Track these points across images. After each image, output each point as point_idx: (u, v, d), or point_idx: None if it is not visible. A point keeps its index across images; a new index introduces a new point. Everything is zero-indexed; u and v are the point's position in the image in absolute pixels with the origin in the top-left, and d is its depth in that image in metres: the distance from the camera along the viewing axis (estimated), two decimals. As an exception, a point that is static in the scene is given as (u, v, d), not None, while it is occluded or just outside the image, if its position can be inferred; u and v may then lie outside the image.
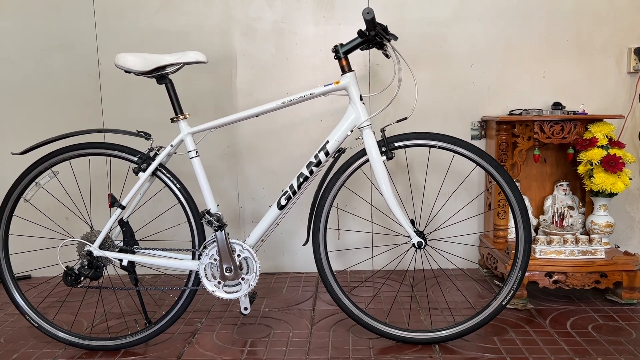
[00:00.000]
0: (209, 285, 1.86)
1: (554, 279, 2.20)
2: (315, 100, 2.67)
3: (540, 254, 2.23)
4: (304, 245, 1.93)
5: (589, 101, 2.62)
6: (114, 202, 1.83)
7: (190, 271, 1.90)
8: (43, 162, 1.88)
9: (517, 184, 2.58)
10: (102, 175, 2.68)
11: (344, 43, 1.83)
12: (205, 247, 1.86)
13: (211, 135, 2.57)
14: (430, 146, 1.84)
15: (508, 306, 2.21)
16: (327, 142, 1.86)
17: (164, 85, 1.86)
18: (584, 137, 2.36)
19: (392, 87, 1.98)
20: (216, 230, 1.82)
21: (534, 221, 2.57)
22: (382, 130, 1.85)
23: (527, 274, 2.19)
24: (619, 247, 2.39)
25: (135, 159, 1.86)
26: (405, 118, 1.85)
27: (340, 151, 1.87)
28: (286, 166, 2.72)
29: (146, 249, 1.91)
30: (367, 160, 1.85)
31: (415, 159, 2.66)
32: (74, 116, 2.71)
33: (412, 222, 1.86)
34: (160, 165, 1.87)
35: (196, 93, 2.68)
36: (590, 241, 2.24)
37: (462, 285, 2.52)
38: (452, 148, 1.83)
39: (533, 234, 2.52)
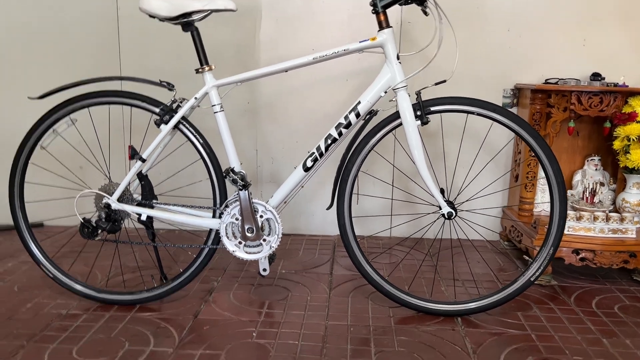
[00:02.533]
0: (230, 244, 1.81)
1: (581, 256, 2.13)
2: (341, 57, 2.56)
3: (568, 230, 2.16)
4: (327, 209, 1.86)
5: (631, 72, 2.49)
6: (134, 154, 1.76)
7: (211, 229, 1.84)
8: (61, 109, 1.80)
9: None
10: (121, 126, 2.60)
11: (383, -4, 1.71)
12: (227, 206, 1.80)
13: (231, 91, 2.48)
14: (469, 112, 1.75)
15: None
16: (359, 102, 1.76)
17: (189, 33, 1.76)
18: (623, 111, 2.25)
19: (428, 48, 1.87)
20: (240, 190, 1.75)
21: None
22: (418, 93, 1.75)
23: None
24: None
25: (158, 110, 1.78)
26: (444, 81, 1.75)
27: (372, 113, 1.78)
28: (308, 126, 2.63)
29: (166, 204, 1.85)
30: (400, 124, 1.76)
31: (444, 124, 2.56)
32: (90, 63, 2.61)
33: (442, 191, 1.79)
34: (183, 118, 1.78)
35: (217, 45, 2.57)
36: (622, 219, 2.17)
37: (483, 258, 2.46)
38: (491, 115, 1.74)
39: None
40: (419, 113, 1.73)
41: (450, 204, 1.78)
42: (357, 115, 1.77)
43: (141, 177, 1.81)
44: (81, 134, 2.07)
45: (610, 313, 1.91)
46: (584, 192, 2.26)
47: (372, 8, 1.72)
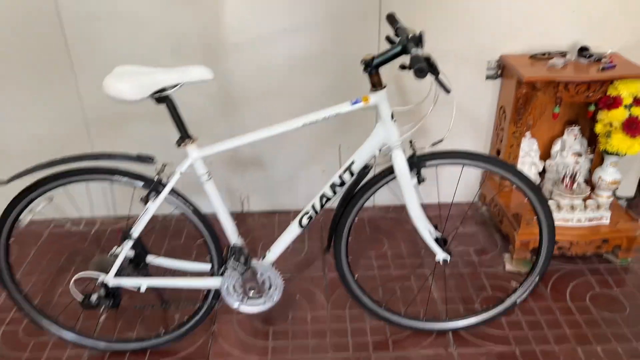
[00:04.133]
0: (232, 301, 1.85)
1: (557, 245, 2.27)
2: (321, 38, 2.35)
3: (548, 221, 2.26)
4: (325, 252, 1.89)
5: (618, 38, 2.38)
6: (124, 237, 1.70)
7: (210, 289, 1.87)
8: (36, 189, 1.67)
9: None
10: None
11: (377, 55, 1.55)
12: (226, 269, 1.80)
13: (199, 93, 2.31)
14: (466, 165, 1.71)
15: (511, 269, 2.31)
16: (353, 162, 1.70)
17: (164, 105, 1.59)
18: (608, 94, 2.22)
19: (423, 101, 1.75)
20: (243, 273, 1.76)
21: (539, 166, 2.54)
22: (412, 145, 1.69)
23: (531, 240, 2.25)
24: (619, 198, 2.43)
25: (141, 184, 1.68)
26: (441, 140, 1.67)
27: (366, 168, 1.72)
28: (288, 110, 2.49)
29: (161, 257, 1.84)
30: (394, 178, 1.73)
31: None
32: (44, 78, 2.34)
33: (436, 227, 1.82)
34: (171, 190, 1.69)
35: (178, 34, 2.31)
36: (598, 207, 2.27)
37: (464, 232, 2.58)
38: (490, 168, 1.72)
39: (537, 179, 2.52)
40: (414, 170, 1.69)
41: (444, 242, 1.83)
42: (352, 173, 1.71)
43: (135, 244, 1.77)
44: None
45: (584, 308, 2.11)
46: (564, 177, 2.31)
47: (363, 67, 1.56)
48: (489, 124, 2.59)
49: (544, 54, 2.35)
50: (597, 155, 2.45)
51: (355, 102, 1.61)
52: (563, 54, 2.34)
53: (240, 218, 2.72)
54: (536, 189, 1.75)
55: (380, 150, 1.69)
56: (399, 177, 1.69)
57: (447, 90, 1.43)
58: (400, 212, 2.71)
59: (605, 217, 2.27)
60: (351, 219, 1.81)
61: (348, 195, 1.77)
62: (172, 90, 1.56)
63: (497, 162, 1.71)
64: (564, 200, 2.29)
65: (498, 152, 2.53)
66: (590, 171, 2.51)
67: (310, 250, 2.47)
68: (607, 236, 2.25)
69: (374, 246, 2.50)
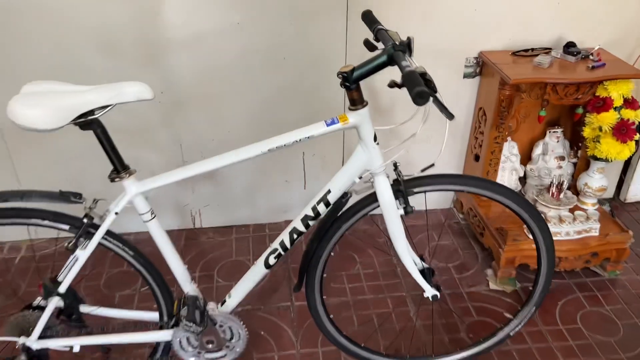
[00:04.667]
0: (186, 356, 1.56)
1: (546, 261, 2.08)
2: (280, 33, 2.04)
3: (535, 235, 2.06)
4: (295, 291, 1.62)
5: (603, 30, 2.18)
6: (48, 292, 1.36)
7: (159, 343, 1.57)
8: None
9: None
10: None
11: (357, 66, 1.26)
12: (178, 320, 1.50)
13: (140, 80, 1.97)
14: (459, 191, 1.47)
15: (495, 288, 2.12)
16: (329, 191, 1.42)
17: (91, 131, 1.26)
18: (597, 94, 2.03)
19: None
20: (199, 332, 1.46)
21: (520, 171, 2.34)
22: (397, 170, 1.43)
23: (517, 257, 2.06)
24: (604, 204, 2.27)
25: (67, 227, 1.35)
26: (432, 165, 1.41)
27: (344, 197, 1.45)
28: (242, 112, 2.19)
29: (97, 307, 1.51)
30: (376, 207, 1.46)
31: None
32: None
33: (422, 257, 1.58)
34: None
35: (112, 29, 1.94)
36: (587, 218, 2.09)
37: (440, 244, 2.36)
38: (488, 195, 1.47)
39: (518, 185, 2.33)
40: (400, 199, 1.43)
41: (432, 273, 1.59)
42: (327, 204, 1.43)
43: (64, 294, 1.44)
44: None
45: (576, 331, 1.93)
46: (550, 186, 2.12)
47: (340, 80, 1.28)
48: (465, 126, 2.36)
49: (526, 50, 2.13)
50: (582, 159, 2.27)
51: (332, 123, 1.33)
52: (547, 50, 2.12)
53: (191, 236, 2.41)
54: (538, 217, 1.53)
55: (360, 177, 1.41)
56: (383, 207, 1.43)
57: (450, 116, 1.16)
58: (368, 222, 2.46)
59: (594, 229, 2.09)
60: (326, 254, 1.54)
61: (322, 228, 1.50)
62: (101, 113, 1.22)
63: (498, 189, 1.47)
64: (550, 211, 2.10)
65: (477, 158, 2.30)
66: (574, 176, 2.33)
67: (273, 274, 2.19)
68: (597, 249, 2.08)
69: (344, 265, 2.25)
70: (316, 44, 2.07)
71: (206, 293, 2.07)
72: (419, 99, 1.03)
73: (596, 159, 2.11)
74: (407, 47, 1.25)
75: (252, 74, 2.10)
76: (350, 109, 1.32)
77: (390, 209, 1.43)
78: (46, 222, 1.34)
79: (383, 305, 2.04)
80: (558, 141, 2.31)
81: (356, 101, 1.30)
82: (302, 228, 1.45)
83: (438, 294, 1.57)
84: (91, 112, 1.21)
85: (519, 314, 1.72)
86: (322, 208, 1.43)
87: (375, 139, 1.36)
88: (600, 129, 2.04)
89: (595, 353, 1.85)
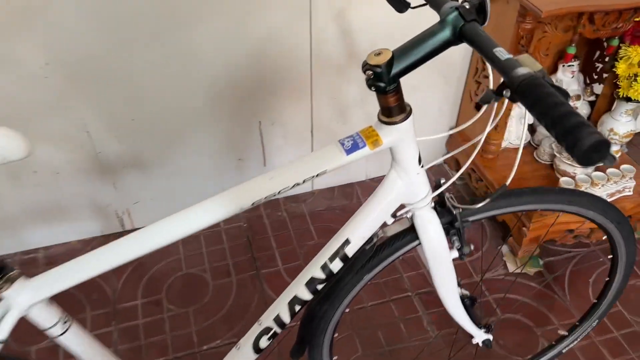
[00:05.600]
0: None
1: (575, 234, 1.71)
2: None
3: (562, 205, 1.67)
4: (293, 358, 1.14)
5: None
6: None
7: None
8: None
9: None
10: None
11: (397, 49, 0.72)
12: None
13: (11, 52, 1.35)
14: (530, 210, 1.01)
15: (516, 271, 1.74)
16: (347, 242, 0.91)
17: None
18: (638, 19, 1.57)
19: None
20: None
21: (530, 118, 1.90)
22: (448, 197, 0.93)
23: (543, 234, 1.67)
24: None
25: None
26: (506, 186, 0.92)
27: (369, 241, 0.95)
28: (169, 82, 1.56)
29: None
30: (417, 245, 0.98)
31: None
32: None
33: (473, 300, 1.14)
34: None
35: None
36: (622, 177, 1.71)
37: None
38: (565, 209, 1.02)
39: (528, 136, 1.91)
40: (454, 237, 0.95)
41: (473, 304, 1.16)
42: (345, 259, 0.93)
43: None
44: None
45: (614, 316, 1.61)
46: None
47: (369, 81, 0.73)
48: (462, 65, 1.85)
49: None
50: (603, 98, 1.85)
51: (354, 149, 0.79)
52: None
53: (122, 242, 1.83)
54: (629, 235, 1.10)
55: (395, 217, 0.90)
56: (429, 249, 0.95)
57: (611, 160, 0.66)
58: (350, 195, 1.98)
59: (628, 188, 1.72)
60: (340, 314, 1.06)
61: (335, 283, 1.00)
62: None
63: (595, 203, 1.02)
64: (578, 173, 1.70)
65: (478, 107, 1.82)
66: (590, 118, 1.92)
67: (245, 295, 1.70)
68: (632, 212, 1.73)
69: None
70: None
71: (155, 328, 1.57)
72: (594, 155, 0.51)
73: (630, 100, 1.70)
74: (478, 11, 0.71)
75: (182, 26, 1.46)
76: (382, 122, 0.78)
77: (439, 252, 0.95)
78: None
79: (394, 328, 1.62)
80: (573, 76, 1.86)
81: (393, 109, 0.76)
82: (306, 296, 0.95)
83: (491, 337, 1.15)
84: None
85: (576, 330, 1.35)
86: (336, 265, 0.93)
87: (419, 161, 0.84)
88: (640, 64, 1.60)
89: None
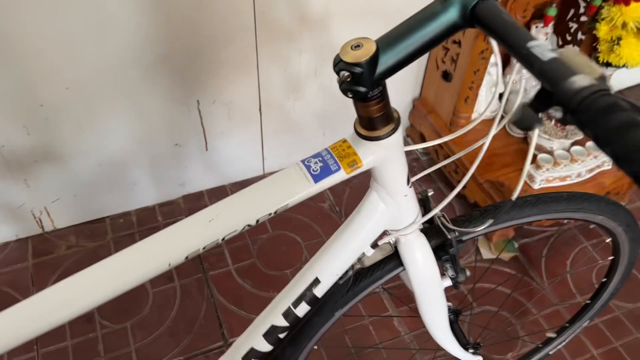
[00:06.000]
0: None
1: (553, 214, 1.57)
2: None
3: (540, 184, 1.52)
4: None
5: None
6: None
7: None
8: None
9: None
10: None
11: (380, 39, 0.50)
12: None
13: None
14: (536, 221, 0.84)
15: (490, 257, 1.60)
16: (316, 281, 0.71)
17: None
18: (622, -26, 1.40)
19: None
20: None
21: (501, 86, 1.72)
22: (440, 215, 0.74)
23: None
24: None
25: None
26: (511, 201, 0.73)
27: (343, 277, 0.75)
28: (80, 56, 1.28)
29: None
30: (398, 272, 0.79)
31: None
32: None
33: (457, 313, 0.98)
34: None
35: None
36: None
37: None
38: (573, 217, 0.85)
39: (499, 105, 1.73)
40: (447, 266, 0.77)
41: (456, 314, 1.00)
42: (313, 302, 0.73)
43: None
44: None
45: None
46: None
47: (342, 84, 0.51)
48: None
49: None
50: (578, 61, 1.69)
51: (325, 174, 0.57)
52: None
53: (42, 246, 1.57)
54: (634, 225, 0.95)
55: (375, 246, 0.71)
56: (416, 279, 0.76)
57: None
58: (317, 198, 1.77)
59: (607, 162, 1.59)
60: (306, 354, 0.87)
61: (302, 327, 0.80)
62: None
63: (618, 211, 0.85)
64: (557, 148, 1.55)
65: (446, 76, 1.63)
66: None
67: (191, 302, 1.48)
68: (611, 187, 1.60)
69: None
70: None
71: (87, 349, 1.34)
72: None
73: (609, 65, 1.54)
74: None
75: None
76: (362, 136, 0.57)
77: (429, 281, 0.76)
78: None
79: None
80: (547, 39, 1.69)
81: (377, 121, 0.55)
82: (265, 348, 0.75)
83: (481, 358, 1.00)
84: None
85: (565, 331, 1.22)
86: (302, 309, 0.72)
87: (408, 181, 0.64)
88: (624, 25, 1.44)
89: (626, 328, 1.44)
